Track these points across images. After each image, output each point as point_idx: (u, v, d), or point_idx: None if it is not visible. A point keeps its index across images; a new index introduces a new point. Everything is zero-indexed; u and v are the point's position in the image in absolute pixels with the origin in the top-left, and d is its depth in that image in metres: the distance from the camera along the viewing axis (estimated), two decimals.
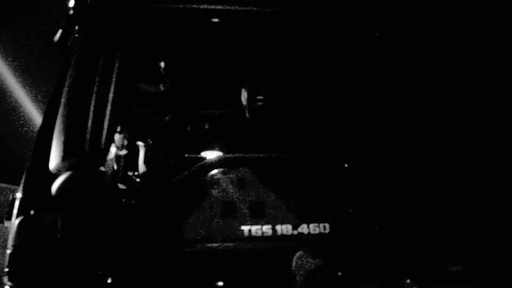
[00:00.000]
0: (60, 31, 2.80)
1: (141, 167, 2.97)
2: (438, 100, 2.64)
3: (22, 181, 2.42)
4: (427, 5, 2.75)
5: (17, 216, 2.31)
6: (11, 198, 2.59)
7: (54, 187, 2.02)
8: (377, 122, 2.58)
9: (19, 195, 2.40)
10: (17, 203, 2.37)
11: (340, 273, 2.25)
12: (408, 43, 2.74)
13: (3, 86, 10.02)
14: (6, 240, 2.39)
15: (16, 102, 10.22)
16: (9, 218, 2.48)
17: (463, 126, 2.63)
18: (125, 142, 2.84)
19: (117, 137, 2.58)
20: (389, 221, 2.42)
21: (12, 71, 10.01)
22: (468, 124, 2.63)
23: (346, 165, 2.46)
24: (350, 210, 2.40)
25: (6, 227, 2.47)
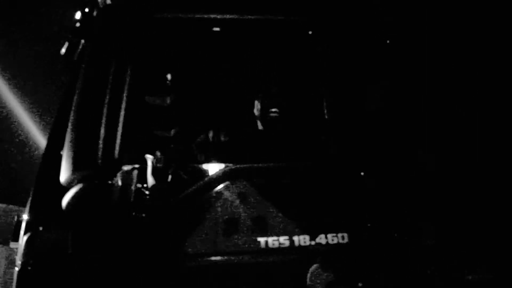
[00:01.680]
0: (66, 44, 2.79)
1: (150, 180, 2.91)
2: (454, 107, 2.61)
3: (30, 197, 2.38)
4: (438, 12, 2.73)
5: (25, 232, 2.26)
6: (16, 219, 2.54)
7: (65, 201, 1.96)
8: (392, 130, 2.54)
9: (26, 211, 2.36)
10: (24, 219, 2.32)
11: (360, 284, 2.18)
12: (419, 49, 2.71)
13: (7, 107, 10.02)
14: (11, 261, 2.33)
15: (19, 122, 10.21)
16: (15, 239, 2.43)
17: (479, 132, 2.59)
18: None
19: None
20: (407, 229, 2.36)
21: (14, 90, 10.01)
22: (485, 131, 2.59)
23: (362, 174, 2.41)
24: (368, 219, 2.33)
25: (12, 248, 2.41)
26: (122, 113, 2.13)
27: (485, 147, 2.61)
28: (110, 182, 2.04)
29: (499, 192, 2.53)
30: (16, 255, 2.34)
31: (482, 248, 2.46)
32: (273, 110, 2.94)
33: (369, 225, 2.33)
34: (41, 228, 2.16)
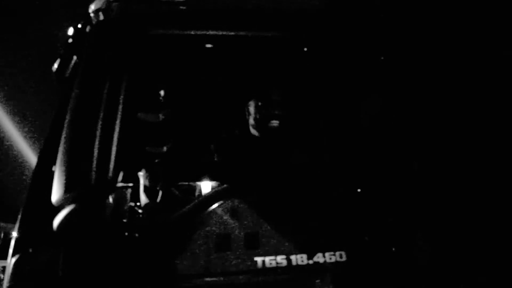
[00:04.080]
0: (58, 60, 2.75)
1: (143, 198, 2.86)
2: (449, 123, 2.61)
3: (19, 216, 2.31)
4: (431, 28, 2.75)
5: (13, 254, 2.19)
6: (2, 236, 2.47)
7: (57, 222, 1.90)
8: (387, 145, 2.52)
9: (15, 231, 2.29)
10: (13, 241, 2.25)
11: None
12: (412, 65, 2.72)
13: None
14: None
15: (9, 139, 10.12)
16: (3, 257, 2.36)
17: (476, 144, 2.59)
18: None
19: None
20: (405, 245, 2.34)
21: (5, 107, 9.94)
22: (482, 143, 2.59)
23: (359, 190, 2.39)
24: (365, 235, 2.31)
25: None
26: (116, 130, 2.09)
27: (482, 159, 2.61)
28: (103, 202, 1.99)
29: (496, 207, 2.52)
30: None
31: (480, 263, 2.45)
32: (268, 126, 2.92)
33: (366, 239, 2.30)
34: (30, 250, 2.09)
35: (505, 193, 2.56)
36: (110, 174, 1.97)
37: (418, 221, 2.44)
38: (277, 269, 2.15)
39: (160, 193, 2.83)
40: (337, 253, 2.22)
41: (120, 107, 2.16)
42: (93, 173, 1.94)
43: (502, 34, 2.84)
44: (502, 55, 2.82)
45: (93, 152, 1.98)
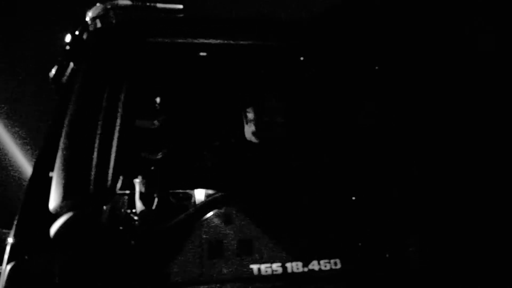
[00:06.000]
0: (55, 67, 2.76)
1: (138, 205, 2.86)
2: (442, 133, 2.65)
3: (15, 222, 2.31)
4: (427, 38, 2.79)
5: (9, 261, 2.19)
6: None
7: (55, 228, 1.91)
8: (383, 154, 2.56)
9: (11, 237, 2.28)
10: (8, 247, 2.25)
11: None
12: (407, 75, 2.76)
13: None
14: None
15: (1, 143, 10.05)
16: None
17: (474, 149, 2.63)
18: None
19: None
20: (399, 250, 2.37)
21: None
22: (479, 149, 2.63)
23: (353, 198, 2.42)
24: (359, 242, 2.34)
25: None
26: (115, 137, 2.10)
27: (478, 162, 2.64)
28: (101, 209, 2.00)
29: (491, 212, 2.56)
30: None
31: (473, 269, 2.48)
32: (266, 134, 2.94)
33: (360, 245, 2.33)
34: (26, 257, 2.09)
35: (501, 197, 2.60)
36: (109, 181, 1.98)
37: (411, 227, 2.47)
38: (272, 276, 2.17)
39: (156, 200, 2.84)
40: (332, 261, 2.25)
41: (119, 114, 2.17)
42: (92, 180, 1.95)
43: (502, 37, 2.89)
44: (501, 57, 2.86)
45: (92, 159, 1.99)
